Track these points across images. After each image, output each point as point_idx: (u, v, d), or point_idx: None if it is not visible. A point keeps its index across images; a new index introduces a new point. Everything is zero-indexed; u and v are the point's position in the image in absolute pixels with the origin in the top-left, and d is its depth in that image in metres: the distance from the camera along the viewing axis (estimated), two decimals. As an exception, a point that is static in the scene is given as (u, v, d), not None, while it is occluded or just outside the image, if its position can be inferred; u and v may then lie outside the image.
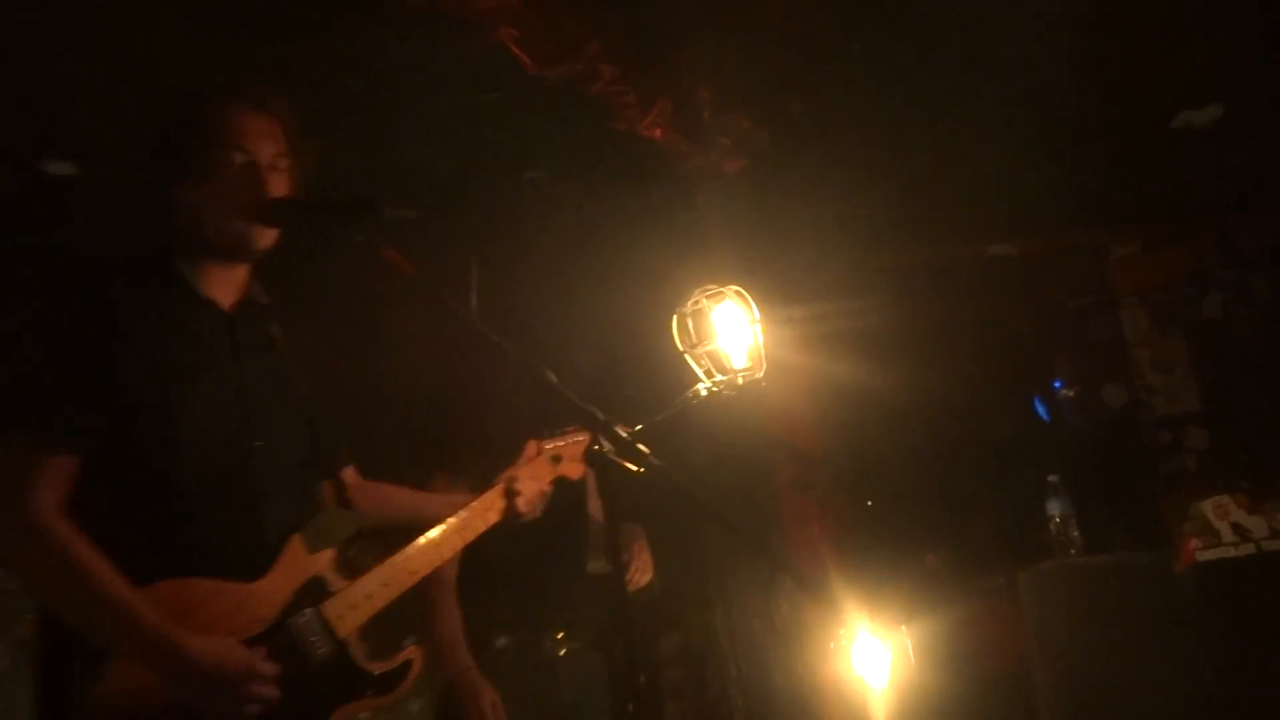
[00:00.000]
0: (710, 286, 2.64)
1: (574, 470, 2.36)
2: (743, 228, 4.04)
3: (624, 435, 1.87)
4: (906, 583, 4.06)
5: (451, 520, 2.08)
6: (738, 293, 2.63)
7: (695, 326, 2.60)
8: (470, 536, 2.11)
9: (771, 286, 3.14)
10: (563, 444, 2.36)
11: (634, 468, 1.86)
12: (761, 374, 2.59)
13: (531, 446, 2.32)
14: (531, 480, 2.23)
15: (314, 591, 1.85)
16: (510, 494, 2.19)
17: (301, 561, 1.85)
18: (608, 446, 1.85)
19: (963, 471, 4.72)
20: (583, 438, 2.37)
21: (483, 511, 2.13)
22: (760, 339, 2.61)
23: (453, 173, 3.62)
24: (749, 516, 3.85)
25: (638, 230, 3.93)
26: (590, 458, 1.87)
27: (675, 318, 2.62)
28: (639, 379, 3.53)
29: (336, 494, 2.02)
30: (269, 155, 1.92)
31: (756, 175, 4.05)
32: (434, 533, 2.05)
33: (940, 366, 4.71)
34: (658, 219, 4.00)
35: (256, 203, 1.89)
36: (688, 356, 2.60)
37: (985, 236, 4.97)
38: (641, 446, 1.86)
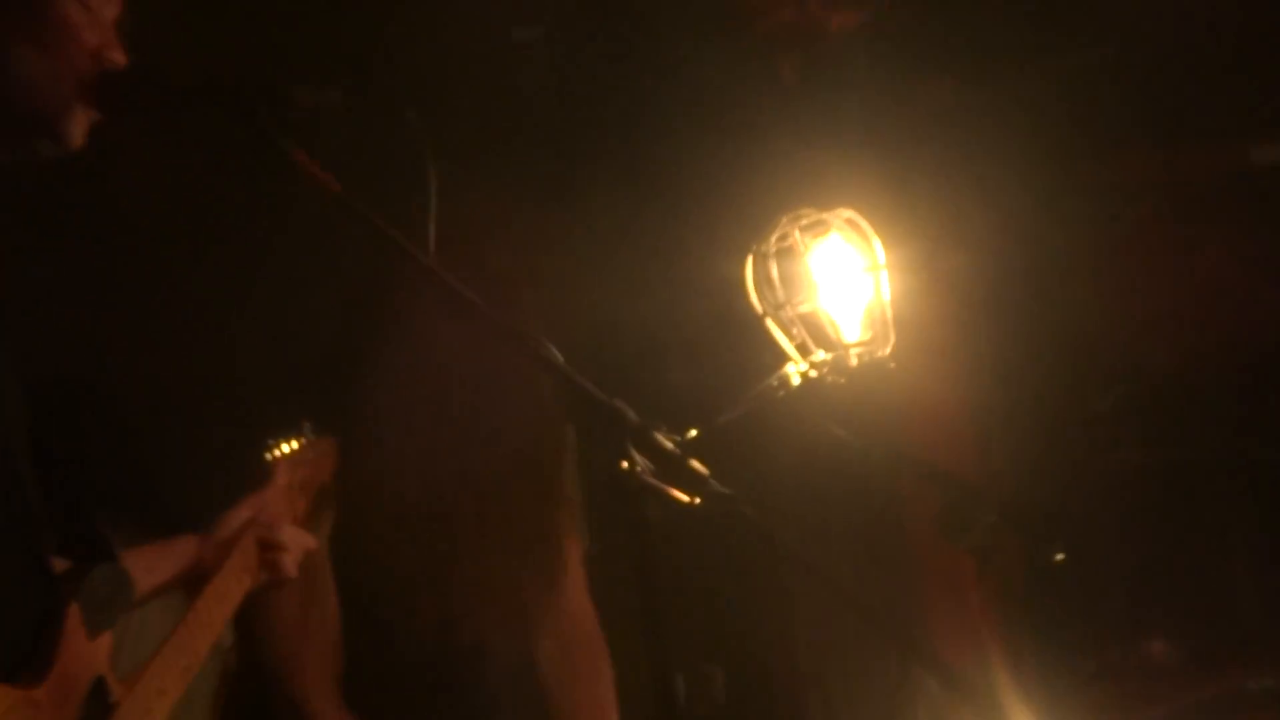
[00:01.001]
0: (805, 212, 2.63)
1: (300, 505, 2.46)
2: (859, 120, 4.02)
3: (668, 447, 1.89)
4: (1119, 685, 4.02)
5: (205, 591, 2.20)
6: (850, 222, 2.63)
7: (782, 276, 2.60)
8: (230, 609, 2.24)
9: (906, 213, 3.12)
10: (294, 461, 2.48)
11: (684, 497, 1.89)
12: (888, 350, 2.59)
13: (281, 470, 2.42)
14: (294, 532, 2.35)
15: (99, 703, 1.89)
16: (269, 549, 2.31)
17: (84, 653, 1.86)
18: (642, 464, 1.88)
19: (1211, 511, 4.68)
20: (306, 447, 2.51)
21: (233, 578, 2.25)
22: (886, 296, 2.61)
23: (397, 35, 3.62)
24: (867, 579, 3.85)
25: (689, 123, 3.90)
26: (621, 479, 1.90)
27: (750, 261, 2.62)
28: (693, 358, 3.58)
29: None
30: (114, 11, 1.94)
31: (882, 38, 4.03)
32: (192, 613, 2.22)
33: (1173, 346, 4.67)
34: (722, 106, 3.95)
35: (104, 72, 1.89)
36: (770, 322, 2.60)
37: (1248, 133, 4.91)
38: (696, 464, 1.88)
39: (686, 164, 3.83)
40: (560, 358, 1.98)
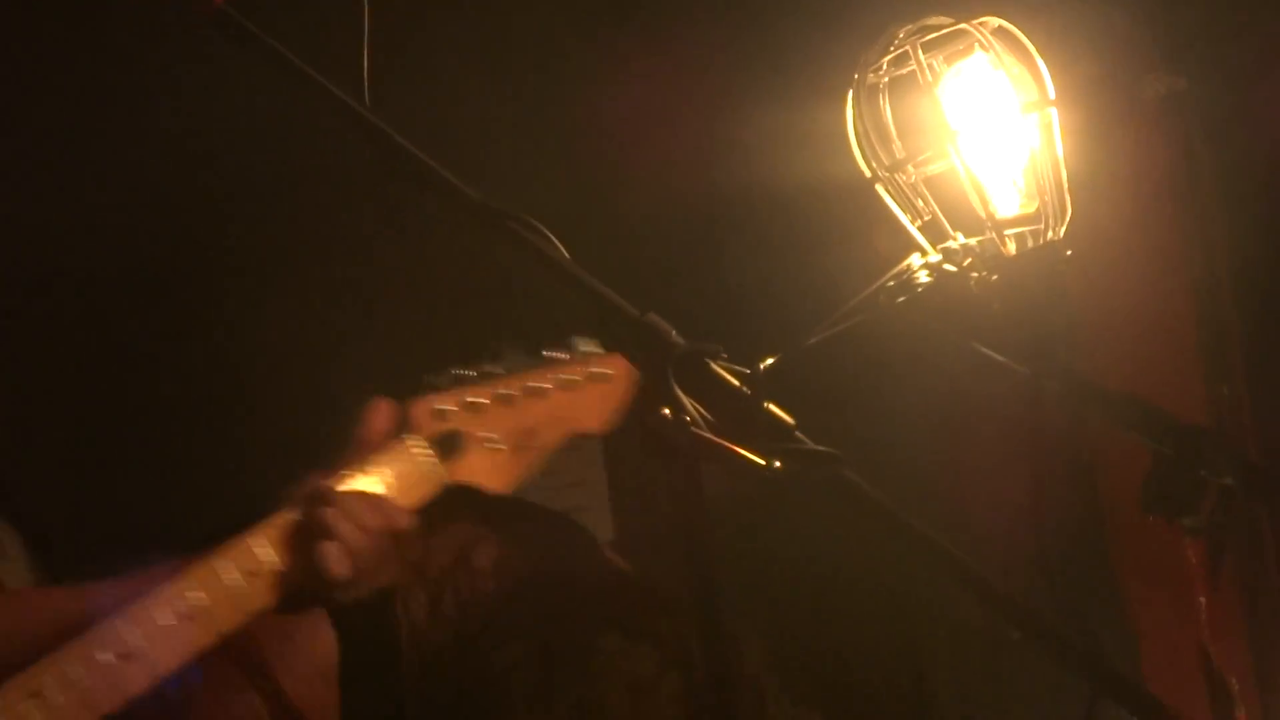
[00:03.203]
0: (933, 21, 2.62)
1: (501, 470, 2.42)
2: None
3: (734, 381, 1.92)
4: None
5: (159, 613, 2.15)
6: (1001, 34, 2.61)
7: (899, 119, 2.62)
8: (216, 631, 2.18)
9: (1081, 20, 3.12)
10: (469, 400, 2.40)
11: (757, 459, 1.90)
12: (1062, 230, 2.59)
13: (379, 411, 2.35)
14: (361, 505, 2.27)
15: None
16: (305, 532, 2.24)
17: None
18: (691, 410, 1.90)
19: None
20: (538, 378, 2.43)
21: (232, 588, 2.20)
22: (1059, 148, 2.61)
23: None
24: (1037, 577, 3.85)
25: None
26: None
27: (851, 98, 2.62)
28: (768, 248, 3.59)
29: None
30: None
31: None
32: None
33: None
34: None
35: None
36: (881, 190, 2.60)
37: None
38: (775, 408, 1.91)
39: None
40: (566, 255, 1.99)
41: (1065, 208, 2.60)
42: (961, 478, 3.89)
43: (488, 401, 2.38)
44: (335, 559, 2.20)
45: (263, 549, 2.21)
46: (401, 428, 2.32)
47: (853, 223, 2.70)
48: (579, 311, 2.07)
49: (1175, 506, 2.88)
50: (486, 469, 2.39)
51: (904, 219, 2.60)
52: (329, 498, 2.22)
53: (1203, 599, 3.60)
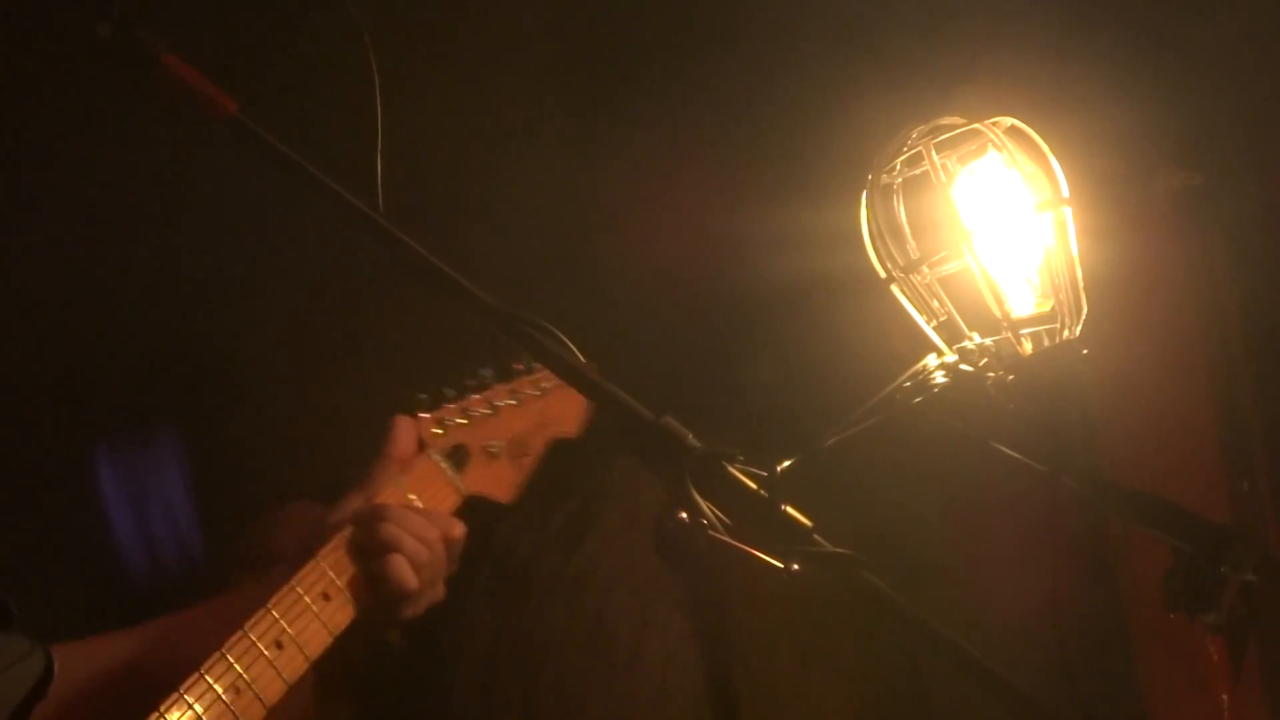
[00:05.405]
0: (946, 121, 2.61)
1: (505, 480, 2.47)
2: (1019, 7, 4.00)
3: (751, 484, 1.91)
4: None
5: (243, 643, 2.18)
6: (1014, 134, 2.60)
7: (914, 220, 2.60)
8: (294, 668, 2.22)
9: (1096, 119, 3.07)
10: (465, 414, 2.46)
11: (775, 561, 1.89)
12: (1078, 329, 2.57)
13: (404, 429, 2.40)
14: (419, 518, 2.31)
15: None
16: (370, 556, 2.28)
17: None
18: (706, 512, 1.89)
19: None
20: (515, 390, 2.51)
21: (313, 610, 2.24)
22: (1074, 246, 2.59)
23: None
24: (1056, 678, 3.80)
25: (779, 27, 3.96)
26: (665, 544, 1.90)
27: (865, 199, 2.61)
28: (782, 348, 3.59)
29: None
30: None
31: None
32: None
33: None
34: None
35: None
36: (897, 291, 2.59)
37: None
38: (793, 511, 1.90)
39: (771, 52, 3.85)
40: (579, 355, 2.00)
41: (1081, 306, 2.57)
42: (981, 576, 3.85)
43: (485, 413, 2.46)
44: (405, 571, 2.27)
45: (334, 569, 2.27)
46: (421, 444, 2.39)
47: (868, 322, 2.66)
48: (595, 411, 2.06)
49: (1197, 603, 2.81)
50: (492, 479, 2.48)
51: (919, 319, 2.57)
52: (387, 514, 2.28)
53: (1225, 696, 3.57)
